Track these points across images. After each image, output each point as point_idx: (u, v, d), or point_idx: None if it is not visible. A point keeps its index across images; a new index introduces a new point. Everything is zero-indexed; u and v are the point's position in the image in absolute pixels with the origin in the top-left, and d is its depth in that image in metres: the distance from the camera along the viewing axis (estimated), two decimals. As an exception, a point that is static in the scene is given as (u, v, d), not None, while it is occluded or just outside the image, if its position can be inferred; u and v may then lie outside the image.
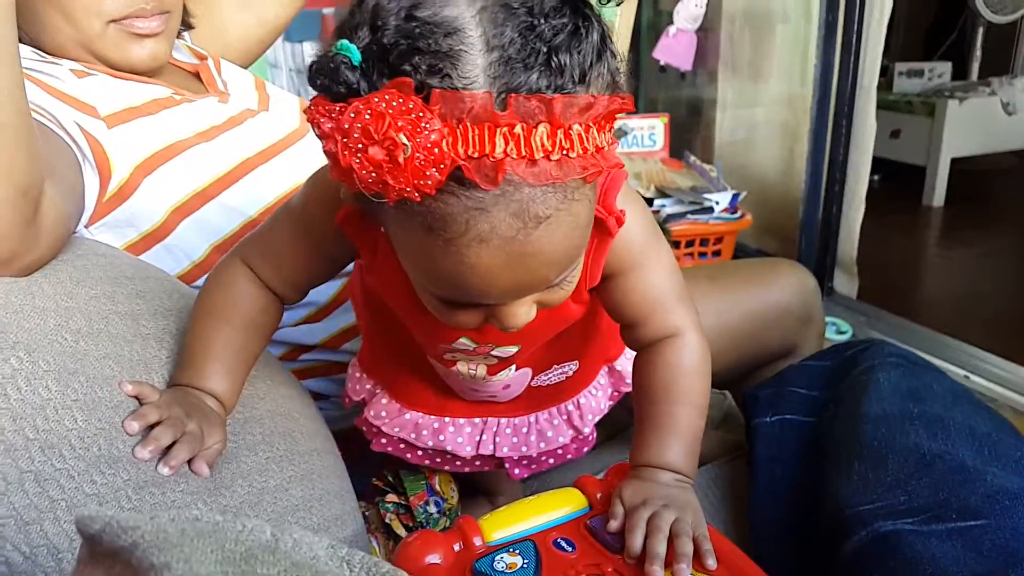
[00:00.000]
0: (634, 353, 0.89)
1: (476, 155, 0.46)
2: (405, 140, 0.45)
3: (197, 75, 1.06)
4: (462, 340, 0.72)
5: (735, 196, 1.91)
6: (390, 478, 0.96)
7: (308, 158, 1.00)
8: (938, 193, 2.94)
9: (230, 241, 0.94)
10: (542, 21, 0.48)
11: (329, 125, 0.47)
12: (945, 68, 3.55)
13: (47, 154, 0.73)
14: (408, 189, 0.46)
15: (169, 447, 0.62)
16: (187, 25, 1.07)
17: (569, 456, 0.91)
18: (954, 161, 3.01)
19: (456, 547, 0.63)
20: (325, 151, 0.48)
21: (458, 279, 0.53)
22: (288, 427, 0.79)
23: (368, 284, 0.74)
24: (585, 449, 0.92)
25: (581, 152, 0.49)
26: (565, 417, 0.89)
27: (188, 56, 1.09)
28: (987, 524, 0.72)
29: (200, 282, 0.94)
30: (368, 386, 0.88)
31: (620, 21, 1.54)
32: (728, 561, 0.61)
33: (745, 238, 2.09)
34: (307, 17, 2.19)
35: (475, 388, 0.82)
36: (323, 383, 1.03)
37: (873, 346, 1.01)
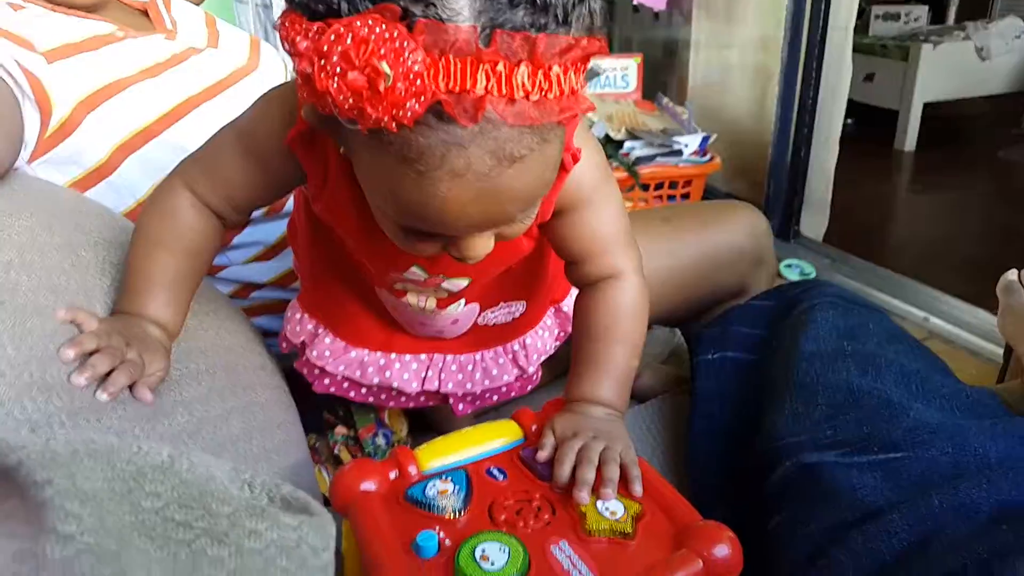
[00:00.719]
0: None
1: (457, 90, 0.46)
2: (387, 69, 0.44)
3: (145, 12, 1.05)
4: (414, 269, 0.73)
5: (705, 139, 1.91)
6: (340, 411, 0.98)
7: (255, 95, 1.00)
8: (910, 137, 2.93)
9: None
10: None
11: (305, 44, 0.46)
12: (921, 12, 3.52)
13: None
14: (386, 119, 0.46)
15: (108, 375, 0.62)
16: None
17: (513, 394, 0.93)
18: (927, 106, 3.00)
19: (392, 475, 0.64)
20: (298, 71, 0.48)
21: (425, 210, 0.53)
22: (231, 359, 0.80)
23: (316, 212, 0.73)
24: (529, 387, 0.94)
25: (558, 94, 0.49)
26: (511, 356, 0.90)
27: (137, -8, 1.07)
28: (906, 456, 0.74)
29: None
30: (309, 327, 0.88)
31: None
32: (653, 490, 0.63)
33: (715, 181, 2.10)
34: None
35: (423, 322, 0.83)
36: (273, 320, 1.04)
37: (815, 286, 1.03)
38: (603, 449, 0.65)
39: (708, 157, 1.91)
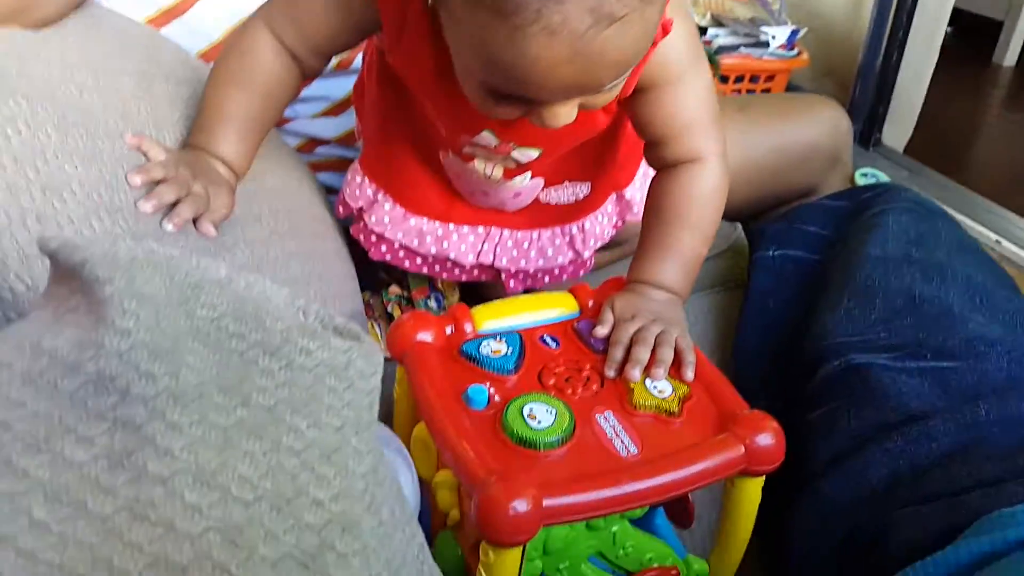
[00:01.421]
0: (644, 183, 0.89)
1: None
2: None
3: None
4: (485, 134, 0.72)
5: (794, 32, 1.81)
6: (395, 272, 1.00)
7: None
8: (1011, 51, 2.73)
9: None
10: None
11: None
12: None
13: None
14: None
15: (174, 206, 0.63)
16: None
17: (565, 277, 0.93)
18: (1035, 18, 2.78)
19: (448, 330, 0.66)
20: None
21: (515, 70, 0.52)
22: (295, 206, 0.81)
23: (390, 64, 0.71)
24: (581, 272, 0.93)
25: None
26: (567, 238, 0.89)
27: None
28: (958, 366, 0.73)
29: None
30: (369, 191, 0.86)
31: None
32: (704, 377, 0.64)
33: (800, 79, 2.00)
34: None
35: (486, 192, 0.82)
36: (335, 177, 1.05)
37: (891, 190, 0.99)
38: (660, 332, 0.65)
39: (795, 52, 1.82)
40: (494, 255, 0.88)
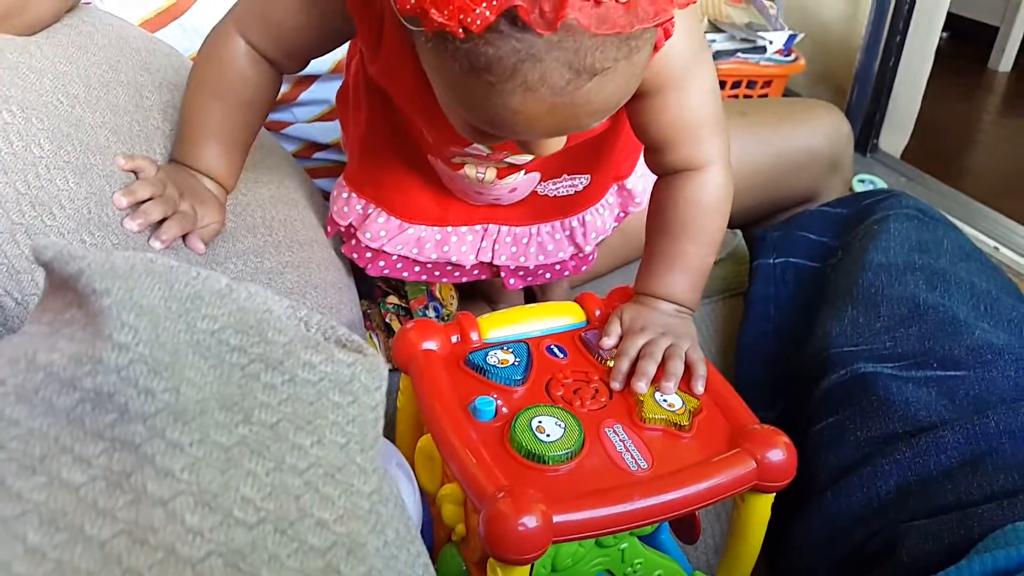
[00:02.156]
0: (645, 171, 0.87)
1: None
2: None
3: None
4: (476, 144, 0.70)
5: (791, 37, 1.81)
6: (392, 281, 0.98)
7: None
8: (1007, 57, 2.73)
9: None
10: None
11: None
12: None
13: None
14: (452, 24, 0.42)
15: (161, 223, 0.63)
16: None
17: (566, 273, 0.91)
18: (1031, 24, 2.78)
19: (453, 339, 0.65)
20: None
21: (494, 118, 0.50)
22: (290, 215, 0.80)
23: (371, 75, 0.69)
24: (584, 268, 0.92)
25: None
26: (568, 232, 0.87)
27: None
28: (965, 375, 0.73)
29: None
30: (358, 207, 0.83)
31: None
32: (714, 390, 0.63)
33: (797, 84, 2.00)
34: None
35: (480, 191, 0.80)
36: (334, 183, 1.04)
37: (892, 196, 0.98)
38: (669, 346, 0.64)
39: (792, 57, 1.82)
40: (492, 252, 0.86)
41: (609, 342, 0.66)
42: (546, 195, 0.82)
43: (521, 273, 0.89)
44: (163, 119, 0.72)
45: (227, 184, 0.72)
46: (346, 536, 0.34)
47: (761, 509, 0.59)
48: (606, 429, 0.58)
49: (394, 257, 0.85)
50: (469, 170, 0.76)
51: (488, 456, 0.53)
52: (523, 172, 0.77)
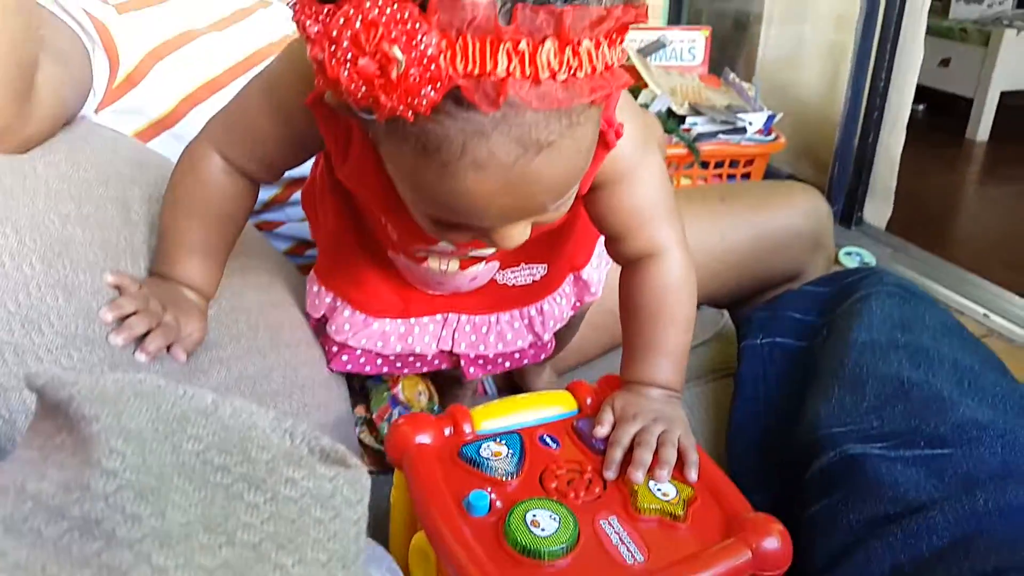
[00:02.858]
0: (600, 263, 0.90)
1: (476, 73, 0.43)
2: (399, 54, 0.42)
3: None
4: (442, 244, 0.72)
5: (771, 117, 1.86)
6: (356, 386, 0.96)
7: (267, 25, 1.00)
8: (983, 127, 2.82)
9: None
10: None
11: (316, 29, 0.44)
12: (1007, -6, 3.38)
13: (51, 36, 0.74)
14: (400, 108, 0.44)
15: (145, 336, 0.64)
16: None
17: (526, 361, 0.92)
18: (1004, 95, 2.88)
19: (447, 431, 0.65)
20: (311, 57, 0.45)
21: (451, 202, 0.51)
22: (277, 317, 0.82)
23: (340, 179, 0.70)
24: (542, 356, 0.93)
25: (590, 71, 0.46)
26: (526, 321, 0.89)
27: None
28: (952, 453, 0.73)
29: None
30: (328, 300, 0.85)
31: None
32: (707, 477, 0.64)
33: (779, 162, 2.05)
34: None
35: (441, 282, 0.82)
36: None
37: (873, 274, 1.00)
38: (662, 432, 0.65)
39: (772, 137, 1.87)
40: (452, 341, 0.87)
41: (602, 431, 0.66)
42: (505, 284, 0.84)
43: (481, 362, 0.90)
44: (150, 232, 0.73)
45: (207, 293, 0.73)
46: (329, 654, 0.34)
47: (758, 598, 0.59)
48: (601, 521, 0.58)
49: (358, 352, 0.86)
50: (433, 263, 0.77)
51: (483, 553, 0.53)
52: (484, 262, 0.79)
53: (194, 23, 0.93)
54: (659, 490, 0.61)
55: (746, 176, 1.89)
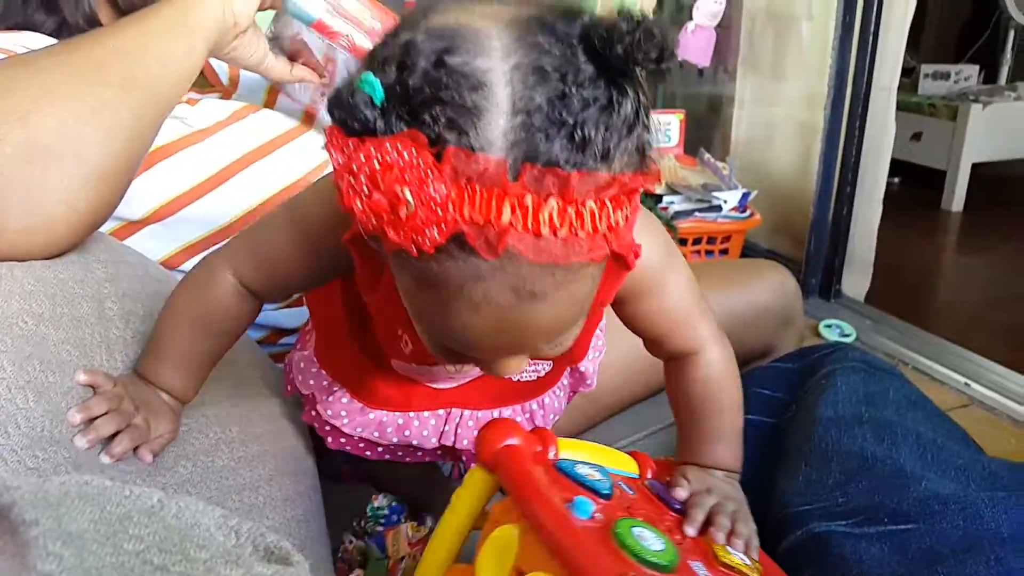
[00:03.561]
0: (594, 354, 0.91)
1: (480, 221, 0.45)
2: (409, 196, 0.44)
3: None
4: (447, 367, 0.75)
5: (745, 195, 1.91)
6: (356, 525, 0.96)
7: (311, 149, 1.03)
8: (957, 198, 2.88)
9: (225, 230, 0.97)
10: (574, 91, 0.46)
11: (340, 160, 0.47)
12: (972, 71, 3.50)
13: None
14: (406, 244, 0.46)
15: (113, 436, 0.65)
16: None
17: None
18: (975, 166, 2.97)
19: (536, 448, 0.65)
20: (335, 182, 0.48)
21: (450, 333, 0.53)
22: (247, 410, 0.82)
23: (368, 303, 0.71)
24: None
25: (591, 231, 0.47)
26: (528, 415, 0.90)
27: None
28: (915, 528, 0.74)
29: (185, 266, 0.98)
30: (325, 382, 0.85)
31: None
32: (763, 560, 0.68)
33: (756, 237, 2.09)
34: None
35: (451, 376, 0.83)
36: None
37: (839, 350, 1.02)
38: (733, 511, 0.69)
39: (748, 213, 1.91)
40: (455, 436, 0.88)
41: (682, 493, 0.70)
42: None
43: None
44: (124, 326, 0.75)
45: (185, 399, 0.74)
46: None
47: None
48: (690, 562, 0.59)
49: (355, 437, 0.87)
50: (450, 366, 0.78)
51: (599, 548, 0.53)
52: None
53: (175, 133, 0.94)
54: (737, 554, 0.64)
55: (724, 252, 1.92)
